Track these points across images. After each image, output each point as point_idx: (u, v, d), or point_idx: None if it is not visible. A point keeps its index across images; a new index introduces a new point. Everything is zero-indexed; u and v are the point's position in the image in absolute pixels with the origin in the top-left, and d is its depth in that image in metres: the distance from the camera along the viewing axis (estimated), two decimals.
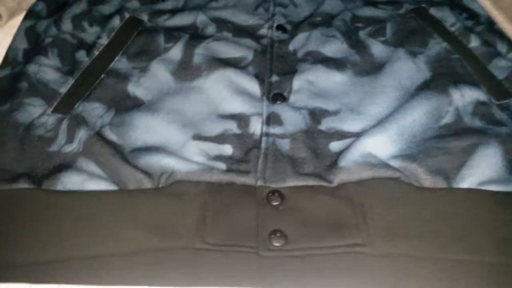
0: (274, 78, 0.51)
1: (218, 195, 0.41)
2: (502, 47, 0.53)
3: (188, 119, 0.48)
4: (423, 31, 0.56)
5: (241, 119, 0.48)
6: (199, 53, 0.54)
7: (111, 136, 0.46)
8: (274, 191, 0.41)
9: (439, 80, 0.49)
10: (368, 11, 0.60)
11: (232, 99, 0.49)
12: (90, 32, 0.56)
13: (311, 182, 0.42)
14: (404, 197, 0.41)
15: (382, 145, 0.44)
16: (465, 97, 0.48)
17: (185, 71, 0.52)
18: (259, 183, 0.42)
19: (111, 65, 0.52)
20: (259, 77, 0.51)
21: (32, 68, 0.51)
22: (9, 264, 0.38)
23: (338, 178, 0.42)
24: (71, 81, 0.50)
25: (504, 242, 0.38)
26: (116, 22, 0.57)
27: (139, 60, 0.53)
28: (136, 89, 0.50)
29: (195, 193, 0.41)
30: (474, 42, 0.54)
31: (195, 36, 0.57)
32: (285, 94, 0.50)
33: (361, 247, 0.38)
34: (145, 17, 0.59)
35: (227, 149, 0.45)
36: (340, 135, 0.46)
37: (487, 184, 0.41)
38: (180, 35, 0.56)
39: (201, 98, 0.50)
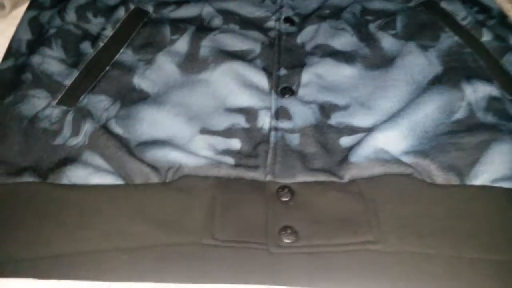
0: (283, 71, 0.50)
1: (226, 190, 0.40)
2: None
3: (195, 113, 0.47)
4: (434, 25, 0.55)
5: (249, 113, 0.47)
6: (206, 45, 0.53)
7: (117, 129, 0.45)
8: (283, 187, 0.40)
9: (451, 74, 0.48)
10: (377, 4, 0.59)
11: (239, 92, 0.48)
12: (94, 23, 0.55)
13: (322, 177, 0.41)
14: (417, 194, 0.40)
15: (394, 141, 0.43)
16: (478, 92, 0.47)
17: (192, 63, 0.51)
18: (268, 178, 0.41)
19: (116, 57, 0.52)
20: (267, 70, 0.51)
21: (36, 59, 0.50)
22: (12, 258, 0.37)
23: (349, 174, 0.41)
24: (75, 73, 0.49)
25: None
26: (121, 13, 0.56)
27: (145, 52, 0.52)
28: (142, 81, 0.49)
29: (203, 187, 0.40)
30: (486, 36, 0.53)
31: (202, 28, 0.56)
32: (293, 87, 0.49)
33: (373, 244, 0.37)
34: (150, 8, 0.58)
35: (235, 144, 0.44)
36: (351, 130, 0.45)
37: (500, 181, 0.40)
38: (186, 27, 0.55)
39: (207, 91, 0.49)
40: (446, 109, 0.46)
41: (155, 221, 0.38)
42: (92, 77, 0.49)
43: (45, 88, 0.47)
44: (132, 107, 0.47)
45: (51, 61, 0.50)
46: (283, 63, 0.51)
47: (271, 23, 0.57)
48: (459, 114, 0.46)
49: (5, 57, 0.51)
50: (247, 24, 0.57)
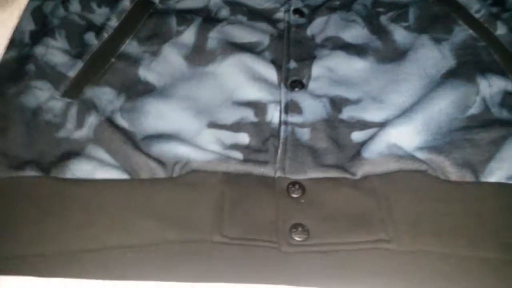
0: (292, 64, 0.49)
1: (235, 186, 0.39)
2: None
3: (202, 106, 0.46)
4: (447, 17, 0.53)
5: (258, 107, 0.46)
6: (213, 37, 0.51)
7: (122, 122, 0.44)
8: (294, 183, 0.39)
9: (465, 68, 0.47)
10: None
11: (248, 85, 0.47)
12: (98, 13, 0.54)
13: (333, 174, 0.40)
14: (431, 191, 0.39)
15: (407, 136, 0.42)
16: (493, 87, 0.45)
17: (199, 55, 0.50)
18: (278, 174, 0.40)
19: (121, 49, 0.50)
20: (276, 63, 0.49)
21: (39, 50, 0.49)
22: (13, 256, 0.36)
23: (362, 170, 0.40)
24: (80, 65, 0.48)
25: None
26: (126, 3, 0.54)
27: (150, 43, 0.51)
28: (148, 73, 0.48)
29: (211, 183, 0.39)
30: (500, 30, 0.51)
31: (209, 19, 0.54)
32: (303, 81, 0.48)
33: (387, 243, 0.36)
34: None
35: (244, 138, 0.43)
36: (362, 124, 0.44)
37: None
38: (193, 18, 0.54)
39: (215, 84, 0.48)
40: (461, 104, 0.44)
41: (162, 218, 0.37)
42: (96, 69, 0.48)
43: (48, 79, 0.46)
44: (137, 100, 0.46)
45: (54, 52, 0.49)
46: (293, 55, 0.50)
47: (280, 15, 0.55)
48: (474, 110, 0.44)
49: (8, 48, 0.50)
50: (255, 15, 0.55)
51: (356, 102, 0.46)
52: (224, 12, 0.55)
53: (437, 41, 0.51)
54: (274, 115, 0.45)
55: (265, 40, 0.52)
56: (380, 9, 0.56)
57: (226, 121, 0.44)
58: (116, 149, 0.41)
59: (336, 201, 0.38)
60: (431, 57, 0.49)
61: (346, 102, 0.46)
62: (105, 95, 0.46)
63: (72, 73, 0.47)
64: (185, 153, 0.41)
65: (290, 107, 0.45)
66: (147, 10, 0.55)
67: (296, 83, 0.47)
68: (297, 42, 0.52)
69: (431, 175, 0.40)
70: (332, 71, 0.49)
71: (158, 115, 0.44)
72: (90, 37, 0.51)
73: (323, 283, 0.35)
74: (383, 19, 0.54)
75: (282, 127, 0.43)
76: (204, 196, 0.39)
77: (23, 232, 0.37)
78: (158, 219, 0.37)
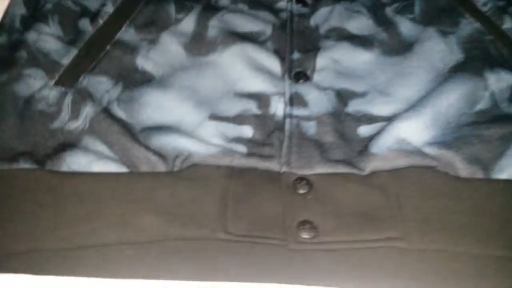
0: (296, 55, 0.48)
1: (239, 180, 0.38)
2: None
3: (203, 97, 0.44)
4: (454, 10, 0.52)
5: (261, 99, 0.44)
6: (214, 25, 0.50)
7: (120, 113, 0.42)
8: (301, 178, 0.38)
9: (473, 62, 0.46)
10: None
11: (250, 76, 0.45)
12: None
13: (341, 169, 0.38)
14: (441, 188, 0.38)
15: (416, 131, 0.40)
16: (501, 81, 0.44)
17: (199, 44, 0.48)
18: (284, 169, 0.38)
19: (117, 36, 0.48)
20: (279, 54, 0.48)
21: (31, 36, 0.47)
22: (6, 252, 0.35)
23: (370, 166, 0.39)
24: (74, 52, 0.46)
25: None
26: None
27: (148, 31, 0.49)
28: (145, 62, 0.46)
29: (215, 177, 0.38)
30: (507, 23, 0.50)
31: (208, 7, 0.52)
32: (308, 73, 0.46)
33: (397, 241, 0.35)
34: None
35: (247, 131, 0.42)
36: (369, 118, 0.43)
37: None
38: (192, 5, 0.52)
39: (216, 74, 0.46)
40: (469, 99, 0.43)
41: (163, 213, 0.36)
42: (91, 57, 0.46)
43: (41, 67, 0.44)
44: (135, 90, 0.44)
45: (47, 38, 0.47)
46: (296, 46, 0.49)
47: (282, 4, 0.54)
48: (482, 105, 0.43)
49: None
50: (257, 4, 0.54)
51: (362, 95, 0.45)
52: (225, 0, 0.54)
53: (444, 34, 0.49)
54: (278, 107, 0.43)
55: (267, 30, 0.50)
56: (385, 0, 0.54)
57: (228, 113, 0.43)
58: (113, 141, 0.40)
59: (344, 198, 0.37)
60: (438, 50, 0.48)
61: (352, 95, 0.45)
62: (101, 85, 0.44)
63: (65, 61, 0.45)
64: (186, 146, 0.39)
65: (295, 100, 0.44)
66: None
67: (300, 75, 0.46)
68: (301, 32, 0.50)
69: (441, 172, 0.39)
70: (337, 62, 0.47)
71: (157, 106, 0.43)
72: (85, 23, 0.49)
73: (332, 282, 0.34)
74: (388, 10, 0.53)
75: (287, 120, 0.42)
76: (207, 191, 0.37)
77: (15, 227, 0.35)
78: (159, 214, 0.36)
